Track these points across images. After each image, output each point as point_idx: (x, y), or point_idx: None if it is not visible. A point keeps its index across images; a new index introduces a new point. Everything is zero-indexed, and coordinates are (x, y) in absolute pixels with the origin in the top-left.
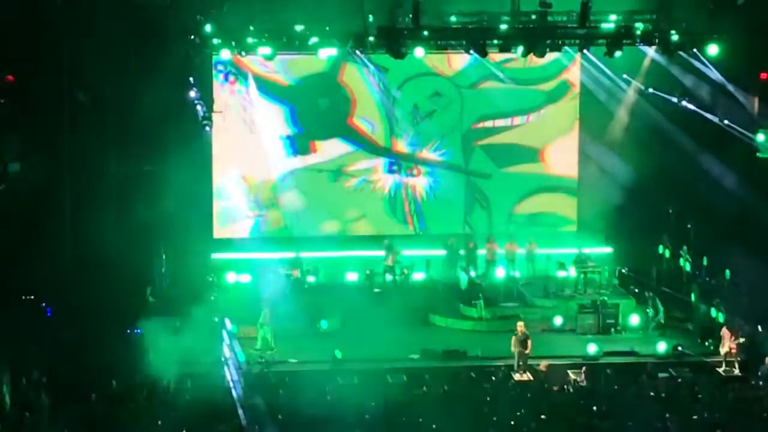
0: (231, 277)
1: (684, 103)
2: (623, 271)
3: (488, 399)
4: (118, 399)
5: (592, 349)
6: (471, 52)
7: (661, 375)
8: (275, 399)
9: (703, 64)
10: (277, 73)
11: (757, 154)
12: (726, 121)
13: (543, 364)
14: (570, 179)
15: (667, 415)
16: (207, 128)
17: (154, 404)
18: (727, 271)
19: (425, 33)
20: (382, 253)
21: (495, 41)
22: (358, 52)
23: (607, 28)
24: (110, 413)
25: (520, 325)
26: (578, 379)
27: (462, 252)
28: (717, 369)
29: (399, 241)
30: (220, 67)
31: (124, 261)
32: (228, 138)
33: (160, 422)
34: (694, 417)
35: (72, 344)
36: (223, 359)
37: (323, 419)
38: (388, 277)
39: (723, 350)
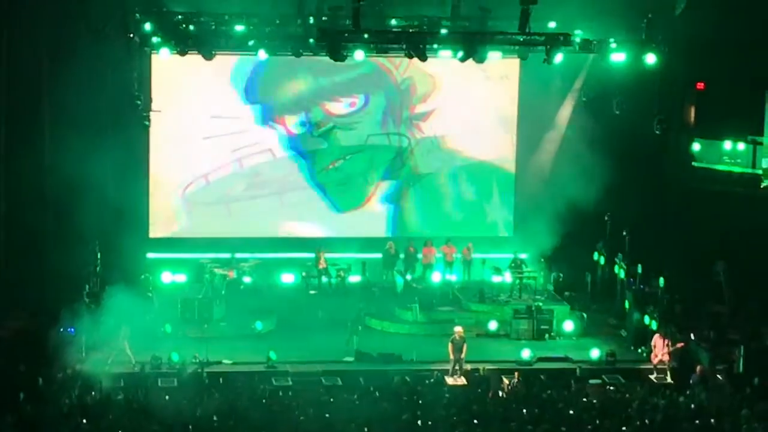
0: (167, 277)
1: (621, 110)
2: (558, 277)
3: (421, 402)
4: (50, 398)
5: (526, 354)
6: (411, 56)
7: (593, 381)
8: (209, 400)
9: (641, 72)
10: None
11: (693, 163)
12: (662, 130)
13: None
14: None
15: (599, 422)
16: (146, 122)
17: (86, 403)
18: (661, 279)
19: (365, 36)
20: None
21: (435, 45)
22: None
23: (546, 35)
24: (41, 412)
25: (459, 330)
26: (512, 384)
27: (401, 256)
28: (649, 376)
29: (336, 244)
30: None
31: (59, 258)
32: (166, 135)
33: (86, 421)
34: (626, 424)
35: (4, 342)
36: (156, 359)
37: (257, 421)
38: (324, 279)
39: (655, 358)
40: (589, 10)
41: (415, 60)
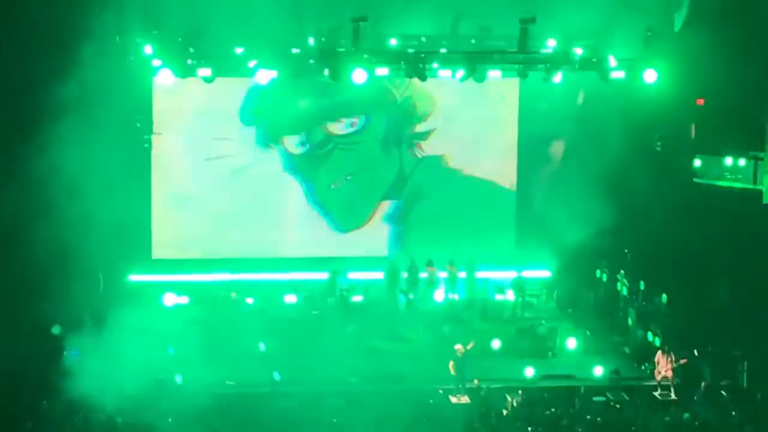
0: (169, 298)
1: (621, 127)
2: (561, 294)
3: (425, 422)
4: (54, 421)
5: (529, 372)
6: (411, 76)
7: (597, 399)
8: (212, 422)
9: (641, 89)
10: None
11: (694, 179)
12: (663, 147)
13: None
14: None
15: None
16: (146, 145)
17: (90, 427)
18: (664, 296)
19: (365, 56)
20: (321, 275)
21: (435, 65)
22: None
23: (545, 54)
24: None
25: (460, 348)
26: (515, 403)
27: (404, 275)
28: (653, 393)
29: (338, 264)
30: None
31: (61, 281)
32: (167, 157)
33: None
34: None
35: (6, 365)
36: (160, 381)
37: None
38: (328, 299)
39: (659, 375)
40: (589, 28)
41: (416, 79)
